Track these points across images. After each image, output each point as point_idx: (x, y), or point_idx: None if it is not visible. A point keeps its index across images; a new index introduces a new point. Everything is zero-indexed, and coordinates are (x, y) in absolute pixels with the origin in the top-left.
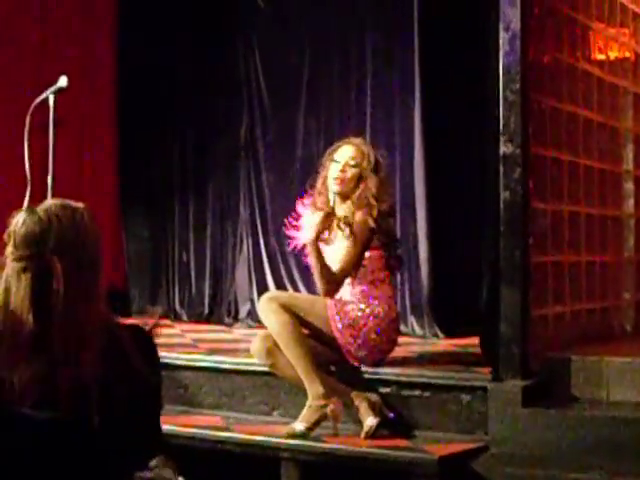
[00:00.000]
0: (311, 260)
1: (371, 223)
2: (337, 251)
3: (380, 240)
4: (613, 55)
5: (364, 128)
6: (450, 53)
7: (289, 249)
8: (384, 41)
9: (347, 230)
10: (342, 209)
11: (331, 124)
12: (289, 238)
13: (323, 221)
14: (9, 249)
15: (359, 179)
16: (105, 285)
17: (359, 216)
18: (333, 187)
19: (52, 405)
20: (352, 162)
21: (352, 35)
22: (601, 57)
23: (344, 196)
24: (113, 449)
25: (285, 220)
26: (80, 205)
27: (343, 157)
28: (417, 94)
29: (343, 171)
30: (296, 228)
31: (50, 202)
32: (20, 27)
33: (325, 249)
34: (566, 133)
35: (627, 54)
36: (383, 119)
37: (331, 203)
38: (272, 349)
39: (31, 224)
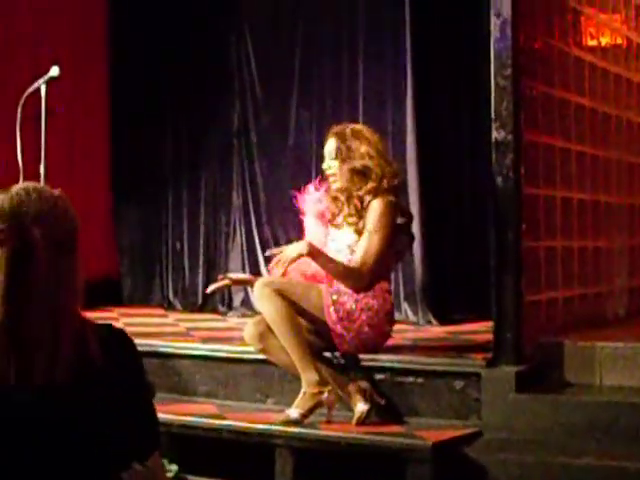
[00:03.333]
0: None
1: (384, 204)
2: (346, 235)
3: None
4: (605, 41)
5: (357, 115)
6: (443, 40)
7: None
8: (376, 27)
9: (354, 219)
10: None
11: (323, 111)
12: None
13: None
14: None
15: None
16: (86, 273)
17: (373, 203)
18: (332, 185)
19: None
20: (331, 156)
21: (344, 22)
22: (593, 43)
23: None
24: (93, 445)
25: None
26: (57, 190)
27: (326, 152)
28: (409, 79)
29: (328, 168)
30: (302, 200)
31: (24, 183)
32: (12, 16)
33: (336, 233)
34: (558, 119)
35: (619, 40)
36: (375, 106)
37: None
38: (265, 334)
39: (7, 199)
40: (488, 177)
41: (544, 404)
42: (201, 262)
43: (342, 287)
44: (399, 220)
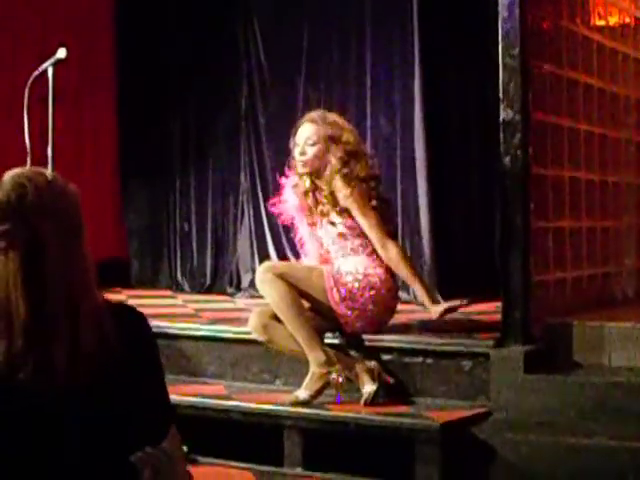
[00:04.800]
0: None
1: (352, 189)
2: (329, 230)
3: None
4: (613, 20)
5: (364, 97)
6: (450, 20)
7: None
8: (384, 9)
9: (336, 207)
10: (322, 186)
11: (331, 93)
12: (278, 214)
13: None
14: None
15: (326, 153)
16: (95, 255)
17: (338, 188)
18: (299, 169)
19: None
20: (310, 141)
21: (351, 3)
22: (601, 23)
23: (317, 173)
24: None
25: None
26: (48, 171)
27: (301, 138)
28: (417, 61)
29: (303, 153)
30: (280, 202)
31: (17, 170)
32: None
33: (319, 232)
34: (566, 99)
35: (627, 19)
36: (383, 87)
37: (306, 185)
38: (269, 324)
39: (5, 192)
40: (496, 157)
41: (553, 384)
42: (209, 244)
43: (343, 267)
44: (374, 203)
